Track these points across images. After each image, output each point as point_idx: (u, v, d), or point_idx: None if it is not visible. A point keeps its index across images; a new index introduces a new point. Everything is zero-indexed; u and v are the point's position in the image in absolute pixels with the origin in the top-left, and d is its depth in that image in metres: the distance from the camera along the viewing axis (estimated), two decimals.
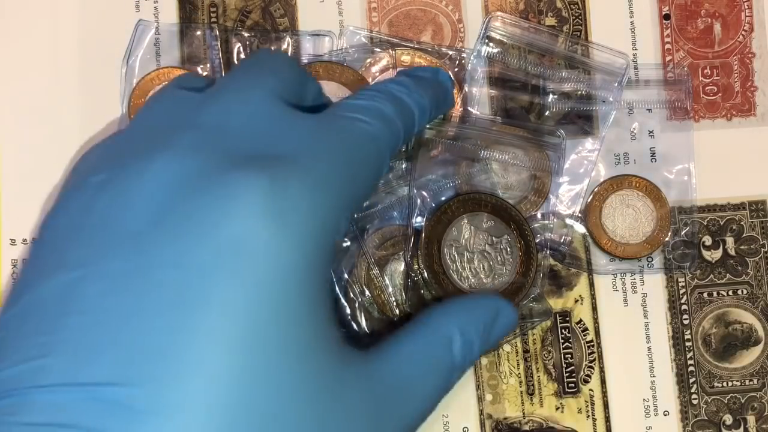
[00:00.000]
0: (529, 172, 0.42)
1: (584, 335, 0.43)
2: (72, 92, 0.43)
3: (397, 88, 0.36)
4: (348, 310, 0.41)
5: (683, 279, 0.44)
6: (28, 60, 0.43)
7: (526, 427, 0.43)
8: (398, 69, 0.41)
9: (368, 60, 0.42)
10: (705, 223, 0.44)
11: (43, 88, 0.43)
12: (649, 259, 0.43)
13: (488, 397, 0.43)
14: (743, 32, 0.44)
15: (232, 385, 0.25)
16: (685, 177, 0.43)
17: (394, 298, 0.41)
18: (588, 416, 0.43)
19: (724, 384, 0.43)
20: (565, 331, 0.43)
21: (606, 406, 0.43)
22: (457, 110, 0.42)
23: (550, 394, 0.43)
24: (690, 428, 0.43)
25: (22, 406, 0.24)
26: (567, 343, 0.43)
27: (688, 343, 0.43)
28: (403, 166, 0.41)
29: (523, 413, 0.43)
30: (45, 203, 0.41)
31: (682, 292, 0.44)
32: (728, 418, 0.43)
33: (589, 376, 0.43)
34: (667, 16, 0.44)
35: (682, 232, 0.43)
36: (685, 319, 0.43)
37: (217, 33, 0.43)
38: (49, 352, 0.25)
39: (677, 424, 0.43)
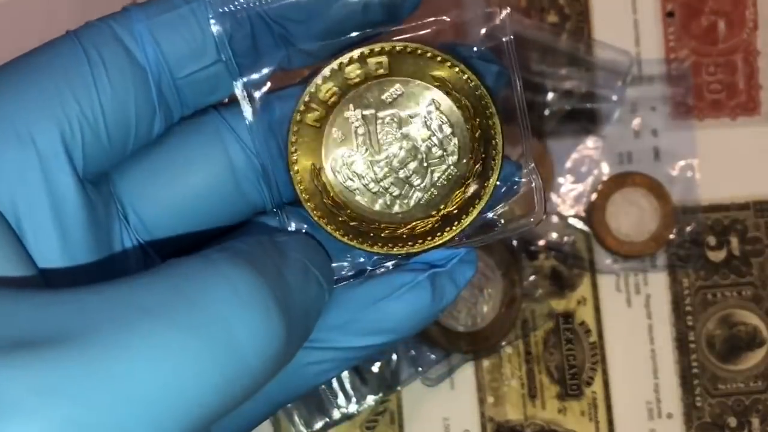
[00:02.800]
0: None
1: (587, 337, 0.43)
2: None
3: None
4: None
5: (687, 280, 0.43)
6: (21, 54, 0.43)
7: (528, 430, 0.42)
8: None
9: None
10: (709, 224, 0.43)
11: None
12: (653, 258, 0.43)
13: (490, 399, 0.42)
14: (748, 30, 0.44)
15: None
16: (689, 173, 0.43)
17: None
18: (591, 419, 0.43)
19: (729, 386, 0.43)
20: (567, 332, 0.43)
21: (609, 408, 0.43)
22: None
23: (552, 397, 0.43)
24: (694, 431, 0.43)
25: None
26: (570, 345, 0.43)
27: (692, 345, 0.43)
28: None
29: (525, 416, 0.43)
30: None
31: (686, 293, 0.43)
32: (732, 421, 0.43)
33: (592, 378, 0.43)
34: (671, 14, 0.44)
35: (687, 230, 0.43)
36: (689, 320, 0.43)
37: None
38: None
39: (681, 426, 0.43)
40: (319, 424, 0.42)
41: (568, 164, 0.43)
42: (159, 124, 0.24)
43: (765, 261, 0.44)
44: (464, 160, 0.26)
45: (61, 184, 0.22)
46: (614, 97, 0.43)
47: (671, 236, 0.43)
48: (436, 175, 0.26)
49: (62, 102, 0.22)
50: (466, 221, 0.26)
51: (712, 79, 0.44)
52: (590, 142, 0.43)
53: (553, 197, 0.43)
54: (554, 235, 0.43)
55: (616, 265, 0.43)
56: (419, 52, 0.26)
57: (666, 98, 0.44)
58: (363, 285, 0.26)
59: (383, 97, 0.26)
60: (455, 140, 0.26)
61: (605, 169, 0.43)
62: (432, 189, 0.27)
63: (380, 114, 0.26)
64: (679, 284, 0.43)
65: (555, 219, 0.43)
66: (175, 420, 0.18)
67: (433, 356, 0.42)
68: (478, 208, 0.26)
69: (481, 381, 0.43)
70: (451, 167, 0.26)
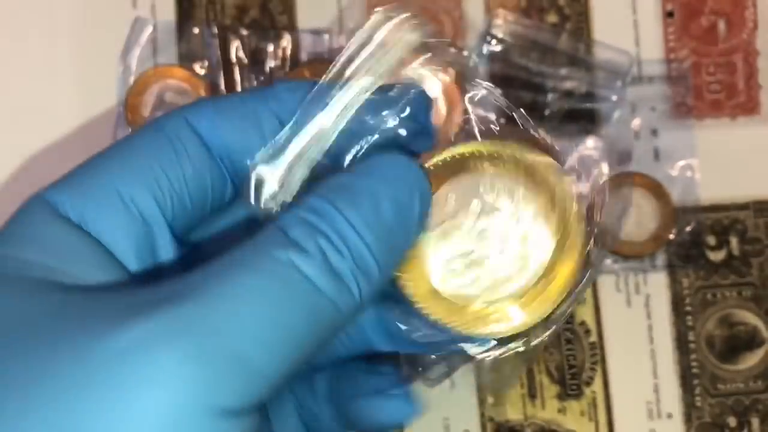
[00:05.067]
0: None
1: (587, 337, 0.43)
2: (68, 90, 0.43)
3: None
4: None
5: (687, 280, 0.43)
6: (24, 57, 0.43)
7: (528, 430, 0.42)
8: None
9: None
10: (709, 224, 0.43)
11: (39, 85, 0.43)
12: (653, 258, 0.43)
13: (490, 399, 0.42)
14: (748, 30, 0.44)
15: None
16: (689, 173, 0.43)
17: None
18: (590, 419, 0.43)
19: (728, 386, 0.43)
20: (567, 332, 0.43)
21: (609, 408, 0.43)
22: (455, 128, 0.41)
23: (552, 397, 0.43)
24: (694, 431, 0.43)
25: None
26: (569, 345, 0.43)
27: (691, 345, 0.43)
28: None
29: (525, 416, 0.42)
30: None
31: (686, 293, 0.43)
32: (732, 421, 0.43)
33: (592, 378, 0.43)
34: (671, 14, 0.44)
35: (686, 230, 0.43)
36: (689, 320, 0.43)
37: (215, 30, 0.43)
38: None
39: (681, 426, 0.43)
40: None
41: (568, 164, 0.43)
42: (230, 191, 0.29)
43: (765, 261, 0.44)
44: (543, 259, 0.28)
45: (162, 237, 0.27)
46: (614, 98, 0.43)
47: (671, 236, 0.43)
48: (510, 268, 0.28)
49: (155, 176, 0.27)
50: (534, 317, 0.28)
51: (711, 79, 0.44)
52: (590, 143, 0.43)
53: None
54: None
55: (615, 265, 0.43)
56: (541, 166, 0.29)
57: (666, 98, 0.44)
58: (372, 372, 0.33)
59: (486, 191, 0.28)
60: (540, 236, 0.28)
61: (605, 170, 0.43)
62: (504, 283, 0.28)
63: (475, 203, 0.28)
64: (678, 284, 0.43)
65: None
66: (282, 345, 0.23)
67: (433, 356, 0.42)
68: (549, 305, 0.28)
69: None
70: (531, 260, 0.28)
